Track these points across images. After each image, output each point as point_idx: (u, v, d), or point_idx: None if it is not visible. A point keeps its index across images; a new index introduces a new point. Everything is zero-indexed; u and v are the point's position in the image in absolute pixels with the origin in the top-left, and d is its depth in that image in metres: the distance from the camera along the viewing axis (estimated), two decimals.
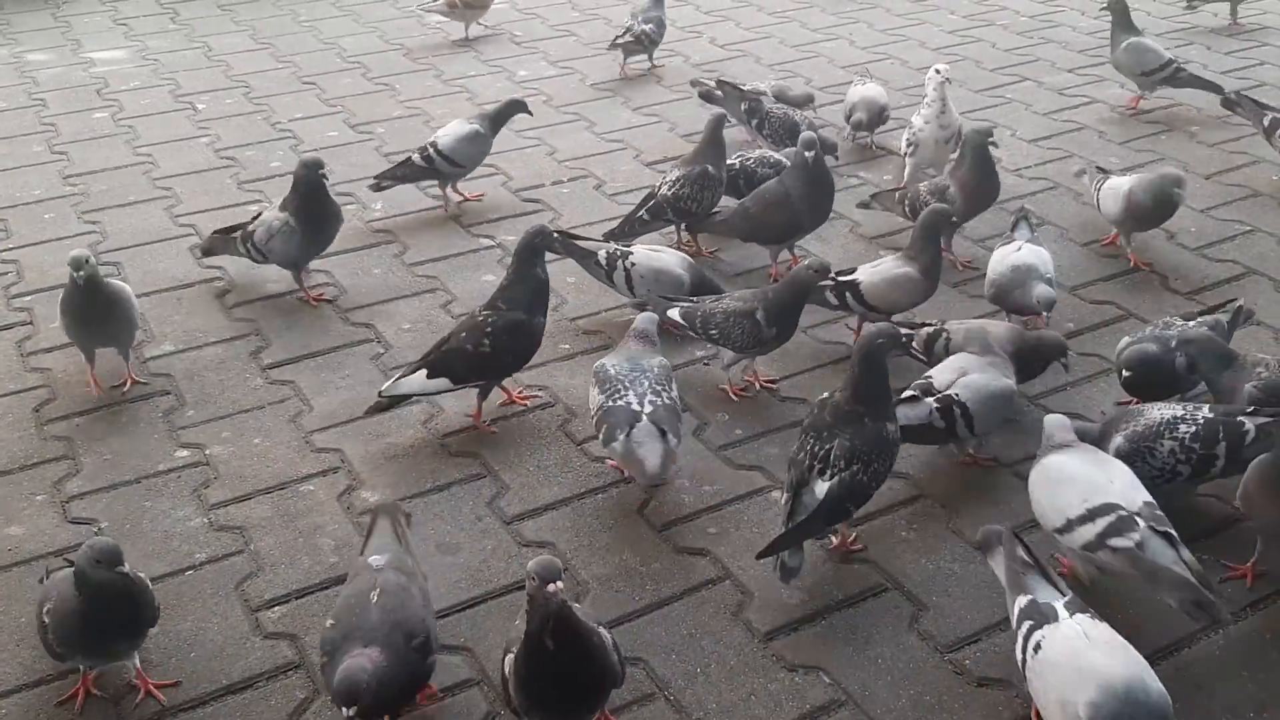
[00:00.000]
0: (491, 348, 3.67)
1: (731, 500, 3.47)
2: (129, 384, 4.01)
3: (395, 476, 3.58)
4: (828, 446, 3.08)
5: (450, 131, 5.18)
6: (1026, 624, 2.61)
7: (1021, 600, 2.67)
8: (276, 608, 3.10)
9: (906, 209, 4.80)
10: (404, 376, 3.70)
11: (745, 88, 5.70)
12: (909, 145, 5.30)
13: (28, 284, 4.72)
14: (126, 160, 5.86)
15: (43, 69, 7.21)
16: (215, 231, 4.71)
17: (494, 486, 3.54)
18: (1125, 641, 2.52)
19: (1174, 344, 3.61)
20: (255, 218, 4.57)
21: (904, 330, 3.80)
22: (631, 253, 4.35)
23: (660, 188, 4.78)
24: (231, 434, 3.79)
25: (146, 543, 3.33)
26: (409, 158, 5.21)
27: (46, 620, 2.74)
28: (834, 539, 3.28)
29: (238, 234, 4.55)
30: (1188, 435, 3.23)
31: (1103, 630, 2.54)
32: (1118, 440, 3.28)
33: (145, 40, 7.73)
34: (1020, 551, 2.78)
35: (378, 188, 5.22)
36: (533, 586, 2.42)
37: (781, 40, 7.52)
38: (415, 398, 3.78)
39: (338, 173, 5.65)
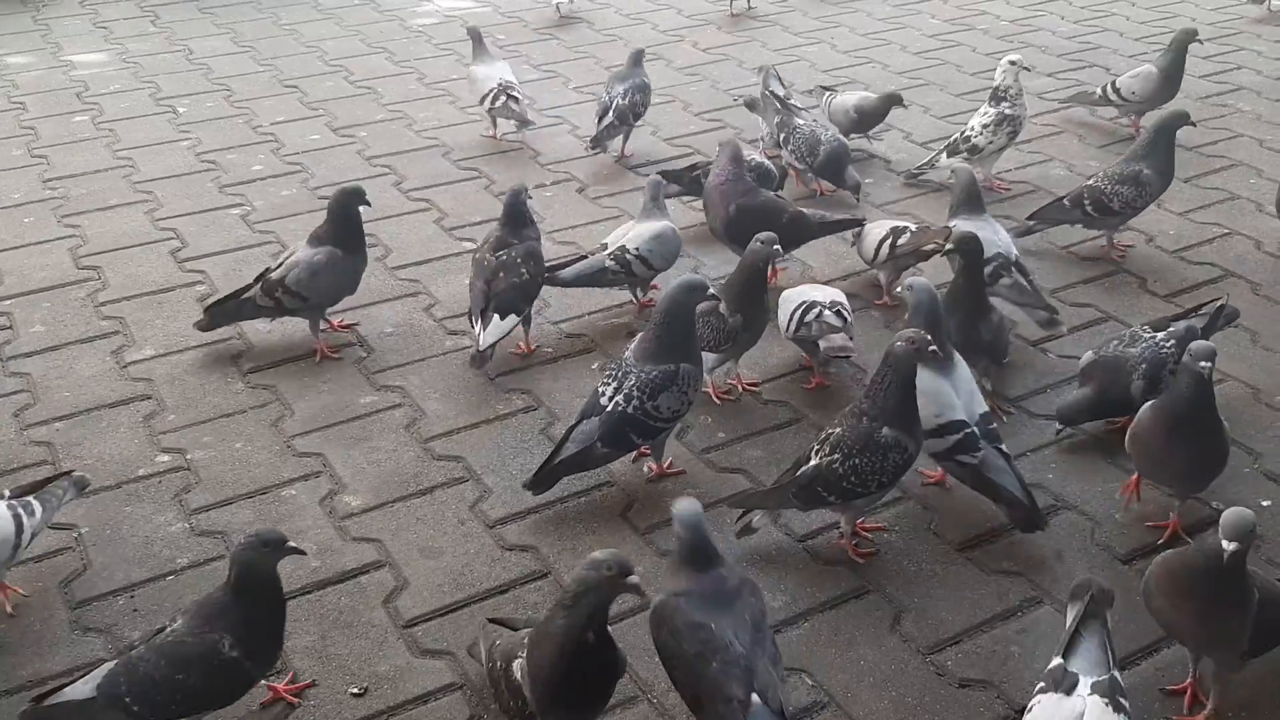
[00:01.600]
0: (529, 273, 4.13)
1: (715, 503, 3.47)
2: None
3: (377, 481, 3.58)
4: (830, 431, 3.19)
5: None
6: (1039, 684, 2.48)
7: (1054, 663, 2.50)
8: None
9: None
10: (484, 330, 4.02)
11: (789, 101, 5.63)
12: (1012, 137, 5.41)
13: (7, 288, 4.69)
14: (107, 164, 5.84)
15: (22, 72, 7.17)
16: (208, 306, 4.27)
17: (477, 490, 3.54)
18: None
19: (1130, 364, 3.64)
20: (267, 270, 4.19)
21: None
22: (624, 244, 4.34)
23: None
24: (213, 438, 3.78)
25: (127, 548, 3.31)
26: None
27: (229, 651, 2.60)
28: (839, 535, 3.32)
29: (253, 290, 4.15)
30: None
31: (1107, 713, 2.36)
32: None
33: (126, 43, 7.70)
34: (1090, 612, 2.58)
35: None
36: (606, 577, 2.40)
37: (764, 44, 7.53)
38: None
39: (319, 176, 5.66)
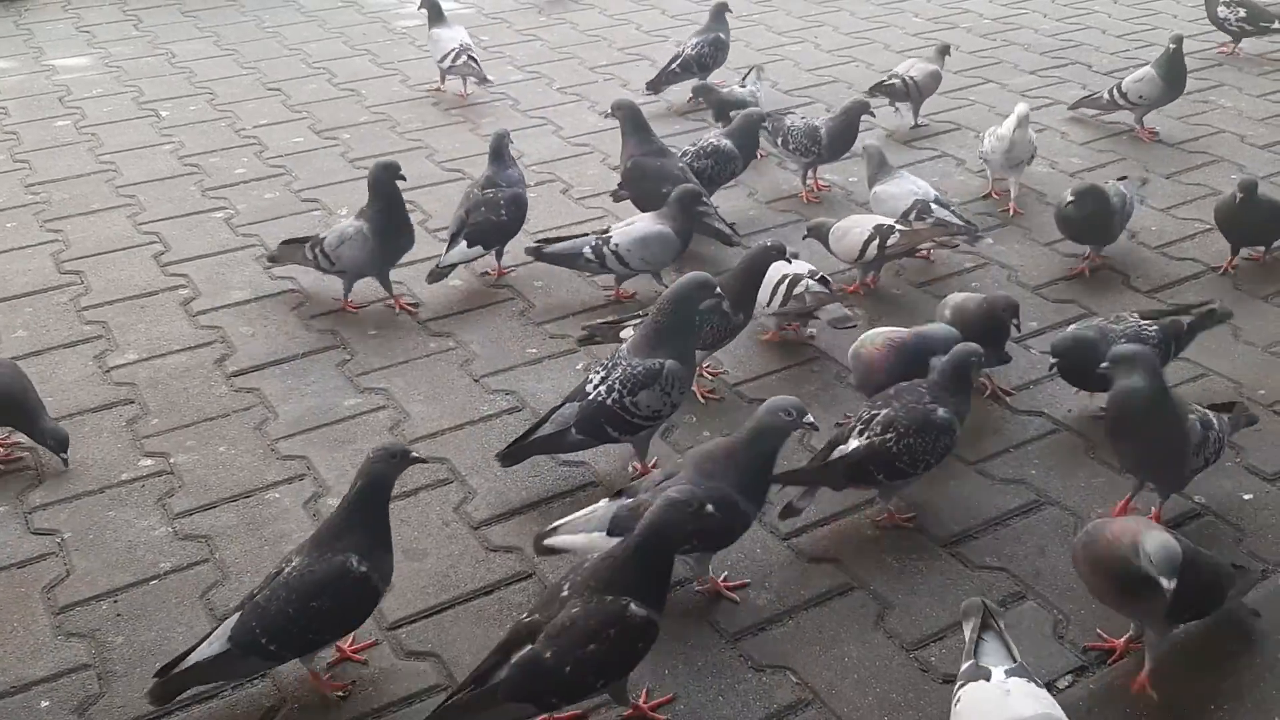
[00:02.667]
0: (508, 216, 4.58)
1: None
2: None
3: None
4: (875, 413, 3.23)
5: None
6: (959, 683, 2.58)
7: (966, 665, 2.60)
8: None
9: None
10: (448, 251, 4.50)
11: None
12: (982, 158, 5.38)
13: None
14: (89, 168, 5.82)
15: (4, 77, 7.14)
16: (284, 241, 4.61)
17: (461, 491, 3.53)
18: (1049, 696, 2.52)
19: (1110, 337, 3.66)
20: (328, 227, 4.49)
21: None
22: (609, 234, 4.42)
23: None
24: (196, 442, 3.77)
25: (110, 553, 3.30)
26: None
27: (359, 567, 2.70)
28: (887, 511, 3.37)
29: (308, 242, 4.44)
30: None
31: (1029, 686, 2.50)
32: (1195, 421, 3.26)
33: (108, 47, 7.67)
34: (988, 621, 2.69)
35: None
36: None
37: (747, 44, 7.54)
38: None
39: (302, 179, 5.64)
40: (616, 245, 4.38)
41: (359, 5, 8.54)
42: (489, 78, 6.61)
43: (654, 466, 3.60)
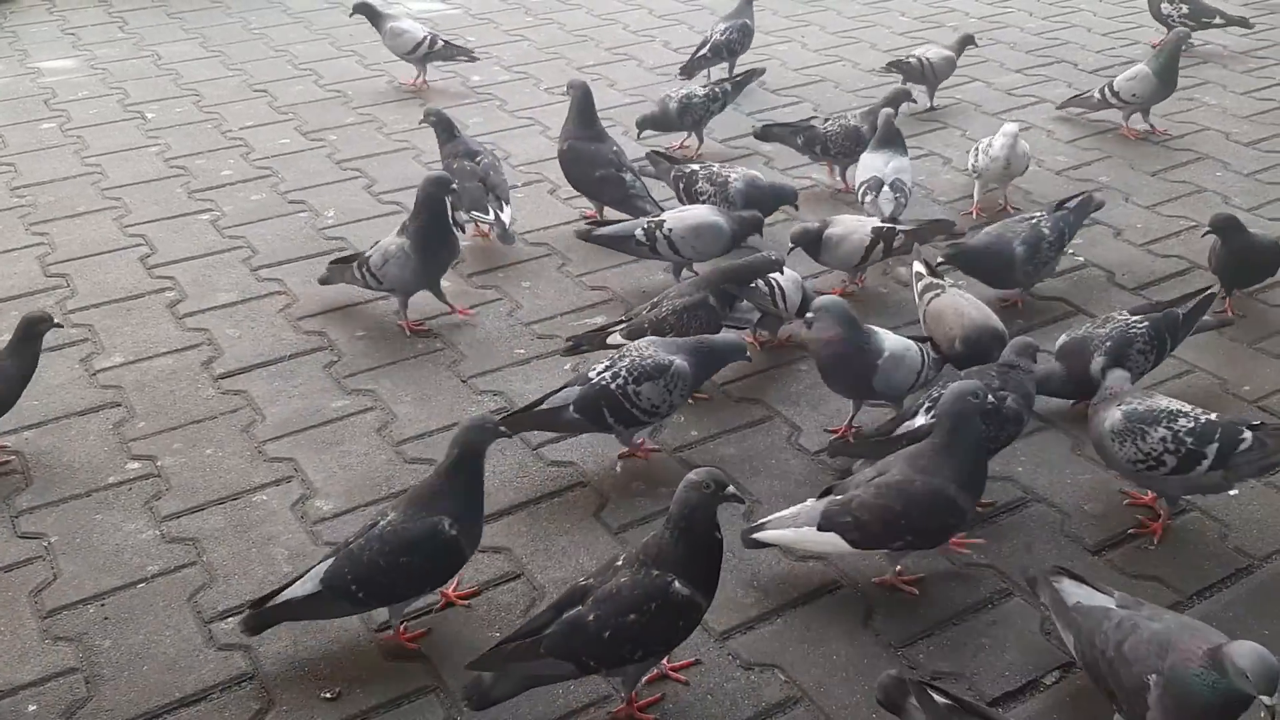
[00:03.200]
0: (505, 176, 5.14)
1: None
2: None
3: (349, 485, 3.57)
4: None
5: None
6: None
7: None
8: (230, 619, 3.06)
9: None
10: (501, 213, 4.89)
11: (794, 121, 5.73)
12: (973, 171, 5.24)
13: None
14: (75, 170, 5.80)
15: None
16: (333, 261, 4.54)
17: None
18: None
19: (1095, 344, 3.69)
20: (374, 245, 4.40)
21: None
22: (664, 220, 4.47)
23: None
24: (183, 445, 3.76)
25: (97, 556, 3.29)
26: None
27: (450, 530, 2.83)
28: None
29: (355, 260, 4.38)
30: (1183, 429, 3.19)
31: None
32: (1115, 414, 3.26)
33: (93, 49, 7.64)
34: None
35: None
36: (707, 495, 2.60)
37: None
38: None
39: (288, 180, 5.64)
40: (670, 230, 4.45)
41: (345, 6, 8.50)
42: (473, 55, 6.85)
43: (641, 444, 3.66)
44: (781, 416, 3.87)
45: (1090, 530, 3.35)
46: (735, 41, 6.67)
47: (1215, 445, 3.16)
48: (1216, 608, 3.08)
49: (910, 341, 3.68)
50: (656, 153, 5.28)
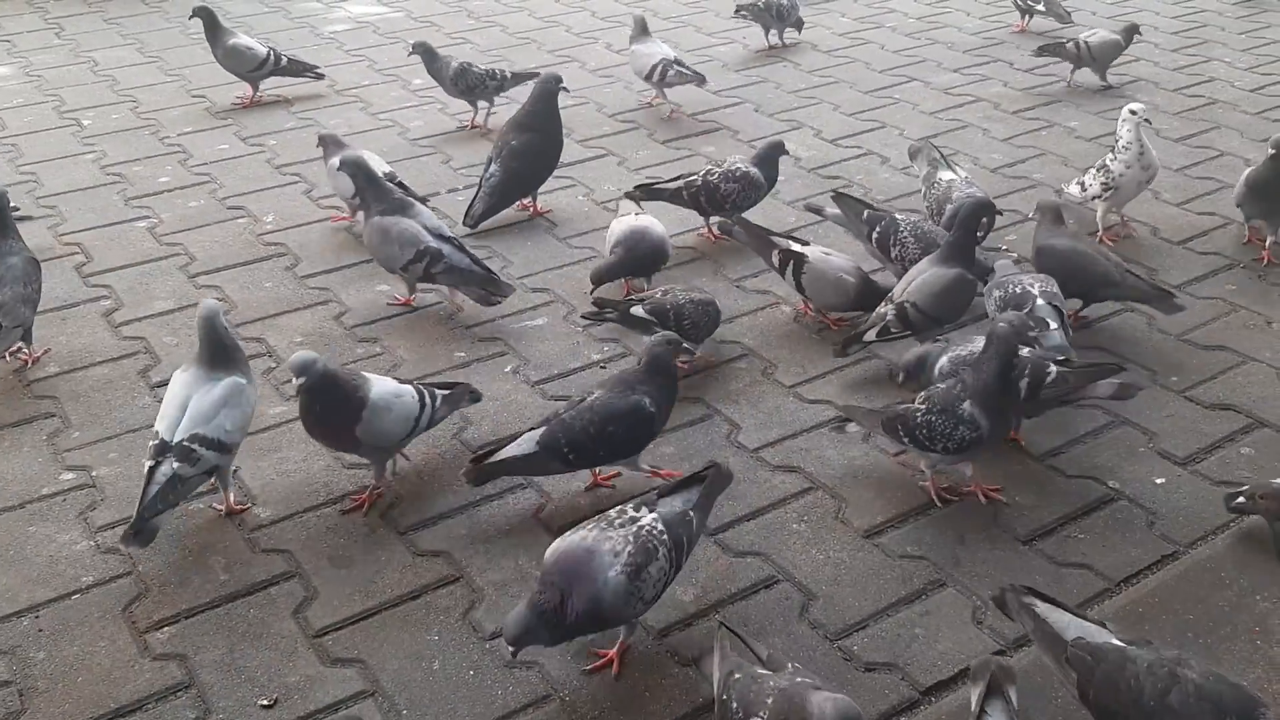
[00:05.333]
0: None
1: (627, 499, 3.49)
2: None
3: (287, 491, 3.55)
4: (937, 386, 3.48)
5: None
6: None
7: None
8: (165, 628, 3.05)
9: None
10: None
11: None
12: (1106, 189, 4.97)
13: None
14: (8, 179, 5.69)
15: None
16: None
17: (388, 496, 3.53)
18: None
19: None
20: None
21: None
22: (806, 256, 4.32)
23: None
24: (119, 454, 3.73)
25: (31, 568, 3.26)
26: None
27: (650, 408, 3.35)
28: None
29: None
30: None
31: None
32: (942, 360, 3.65)
33: (28, 56, 7.54)
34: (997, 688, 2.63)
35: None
36: (668, 349, 3.45)
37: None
38: None
39: (227, 186, 5.59)
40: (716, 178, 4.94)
41: (286, 10, 8.47)
42: (320, 72, 6.77)
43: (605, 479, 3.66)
44: (721, 415, 3.90)
45: (1021, 520, 3.41)
46: (786, 7, 7.46)
47: (1025, 380, 3.48)
48: (1143, 594, 3.15)
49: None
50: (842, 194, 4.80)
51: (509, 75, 6.23)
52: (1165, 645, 2.65)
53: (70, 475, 3.64)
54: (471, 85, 6.17)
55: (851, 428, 3.65)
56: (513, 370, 4.14)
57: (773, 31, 7.56)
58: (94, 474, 3.64)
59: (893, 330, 4.04)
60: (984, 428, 3.30)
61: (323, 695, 2.85)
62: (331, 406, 3.36)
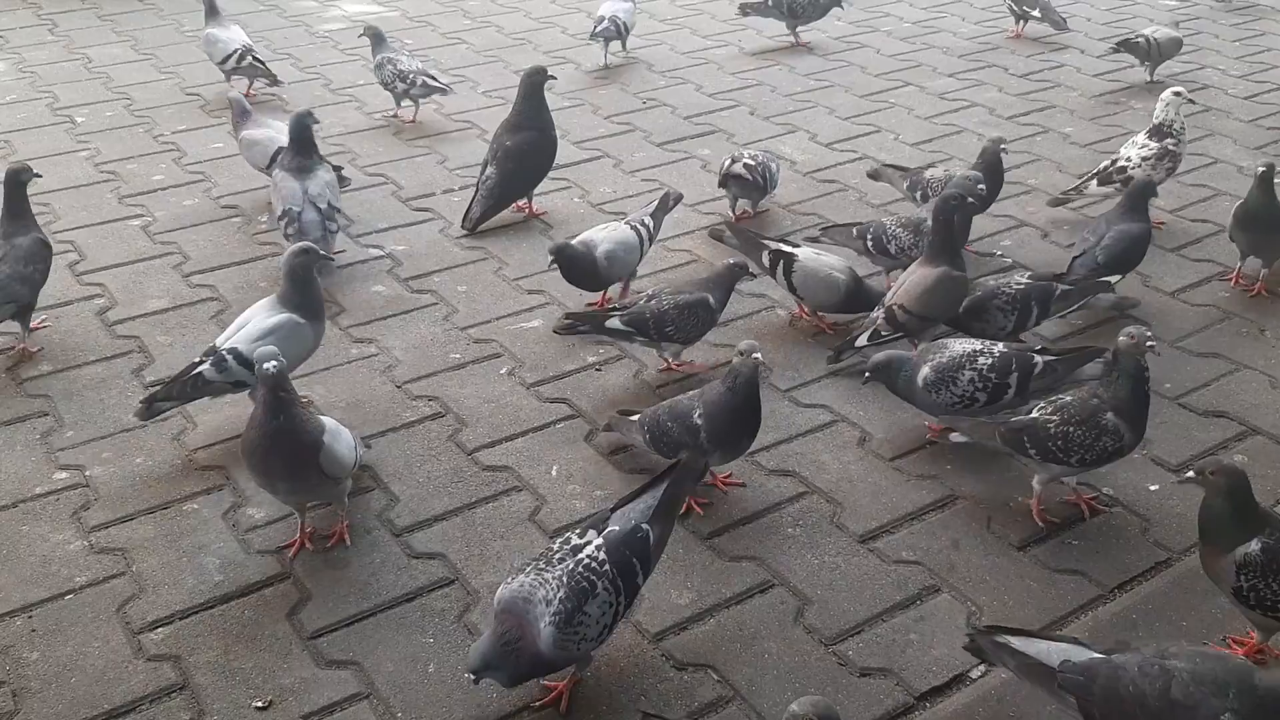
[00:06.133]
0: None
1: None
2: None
3: None
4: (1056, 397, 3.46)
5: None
6: None
7: None
8: (159, 629, 3.04)
9: None
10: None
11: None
12: (1170, 174, 5.24)
13: None
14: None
15: None
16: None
17: (384, 498, 3.52)
18: None
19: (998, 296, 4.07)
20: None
21: None
22: (796, 255, 4.38)
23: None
24: (112, 454, 3.71)
25: (24, 568, 3.24)
26: None
27: (700, 422, 3.35)
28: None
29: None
30: (985, 366, 3.61)
31: None
32: (924, 370, 3.64)
33: (22, 52, 7.51)
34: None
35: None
36: (741, 360, 3.33)
37: (672, 47, 7.59)
38: None
39: (221, 185, 5.58)
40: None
41: (280, 9, 8.45)
42: (279, 79, 6.68)
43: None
44: None
45: (1014, 527, 3.42)
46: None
47: (1015, 375, 3.60)
48: (1136, 600, 3.16)
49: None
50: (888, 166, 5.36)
51: (421, 84, 6.20)
52: (1139, 642, 2.67)
53: (63, 474, 3.62)
54: (384, 82, 6.27)
55: (956, 437, 3.58)
56: (508, 372, 4.14)
57: (798, 28, 7.62)
58: (87, 473, 3.62)
59: (884, 334, 4.06)
60: (1127, 438, 3.31)
61: (318, 697, 2.84)
62: (294, 429, 3.13)
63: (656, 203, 4.71)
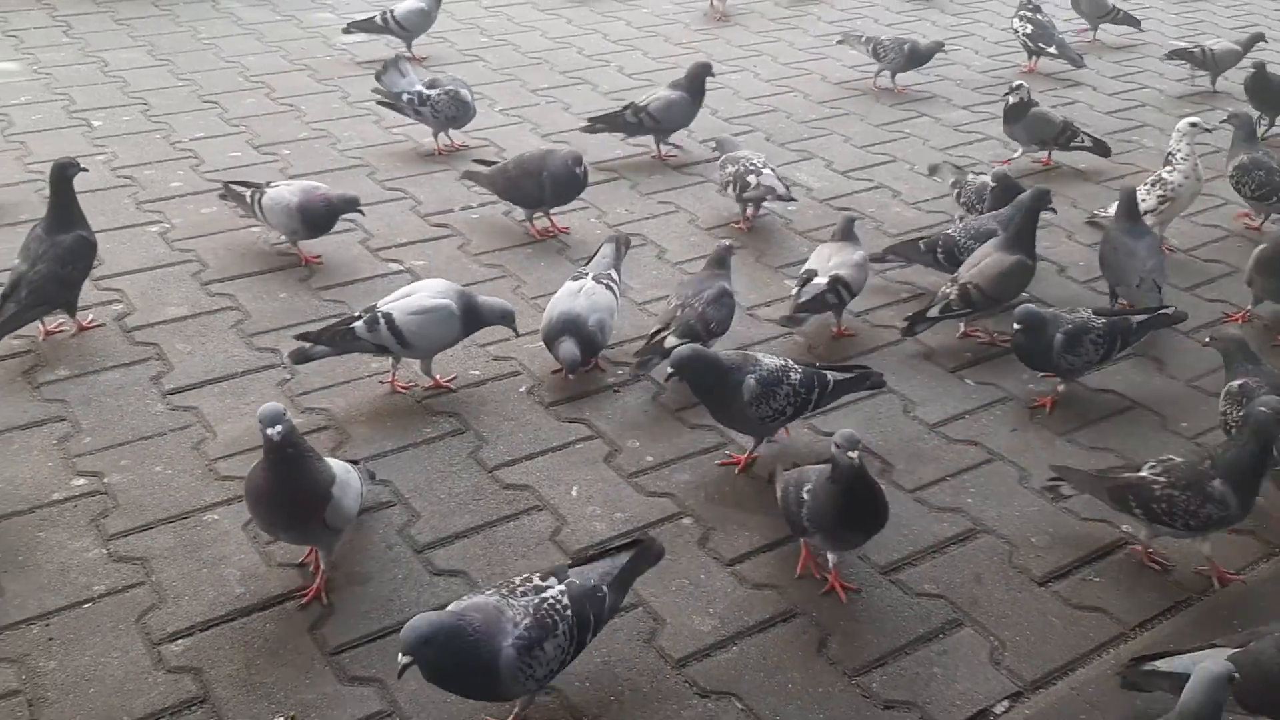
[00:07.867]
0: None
1: (642, 527, 3.50)
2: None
3: None
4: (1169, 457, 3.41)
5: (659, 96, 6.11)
6: None
7: None
8: (180, 641, 3.02)
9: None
10: None
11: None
12: (1163, 202, 5.25)
13: None
14: (16, 177, 5.67)
15: None
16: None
17: (405, 514, 3.51)
18: None
19: (1058, 322, 4.04)
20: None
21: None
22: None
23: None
24: (131, 461, 3.69)
25: (41, 575, 3.22)
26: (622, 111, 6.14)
27: (806, 498, 3.16)
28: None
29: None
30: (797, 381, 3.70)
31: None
32: (749, 381, 3.60)
33: (37, 53, 7.49)
34: None
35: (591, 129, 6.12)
36: (838, 453, 3.04)
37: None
38: None
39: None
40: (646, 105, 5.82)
41: (298, 20, 8.46)
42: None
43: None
44: (735, 444, 3.90)
45: (1037, 562, 3.43)
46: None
47: (816, 390, 3.71)
48: (1158, 639, 3.16)
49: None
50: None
51: (426, 98, 6.00)
52: (1249, 631, 2.81)
53: (81, 481, 3.60)
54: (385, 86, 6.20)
55: (1066, 490, 3.57)
56: (527, 390, 4.14)
57: (883, 73, 7.38)
58: (106, 480, 3.60)
59: (954, 308, 4.38)
60: (1233, 507, 3.22)
61: (340, 714, 2.83)
62: (303, 484, 3.06)
63: (613, 251, 4.51)
